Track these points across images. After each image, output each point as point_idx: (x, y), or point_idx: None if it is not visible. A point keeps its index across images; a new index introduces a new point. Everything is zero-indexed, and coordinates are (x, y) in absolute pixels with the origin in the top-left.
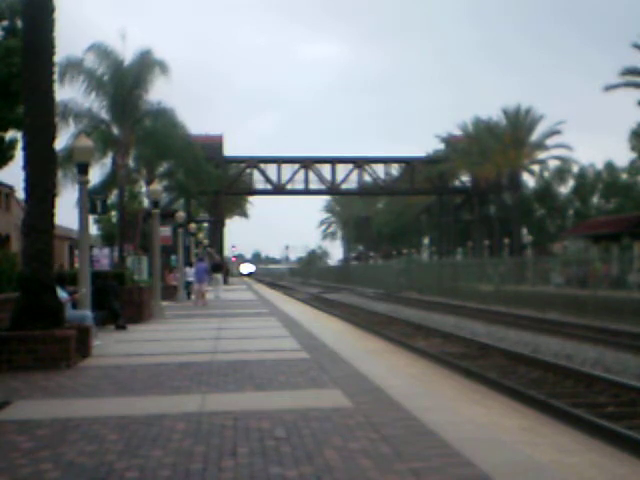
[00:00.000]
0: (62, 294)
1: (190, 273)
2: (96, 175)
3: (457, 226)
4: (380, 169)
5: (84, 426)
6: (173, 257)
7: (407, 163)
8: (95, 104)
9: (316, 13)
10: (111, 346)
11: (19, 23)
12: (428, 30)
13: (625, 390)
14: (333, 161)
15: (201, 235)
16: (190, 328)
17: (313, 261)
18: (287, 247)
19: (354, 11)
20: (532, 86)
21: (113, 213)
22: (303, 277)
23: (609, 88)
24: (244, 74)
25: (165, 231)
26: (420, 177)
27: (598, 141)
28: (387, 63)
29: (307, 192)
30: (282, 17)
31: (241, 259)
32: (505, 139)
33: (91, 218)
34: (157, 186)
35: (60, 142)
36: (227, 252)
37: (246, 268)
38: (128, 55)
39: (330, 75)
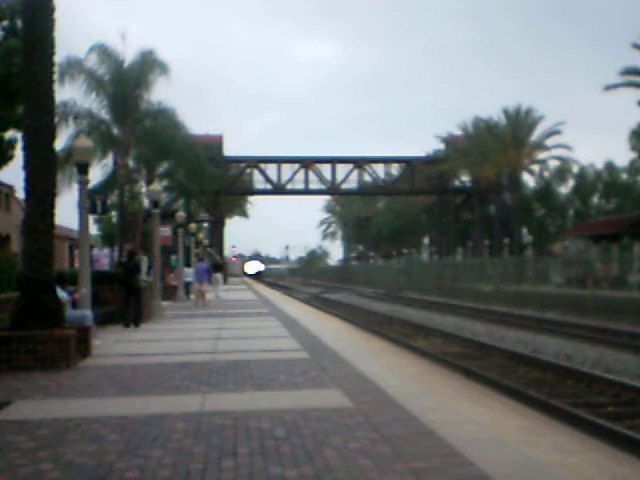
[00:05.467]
0: (62, 294)
1: (189, 273)
2: (97, 175)
3: (457, 226)
4: (380, 169)
5: (84, 426)
6: (173, 257)
7: (407, 163)
8: (95, 104)
9: (313, 13)
10: (111, 346)
11: (19, 23)
12: (427, 30)
13: (625, 390)
14: (333, 161)
15: (201, 235)
16: (190, 328)
17: (313, 261)
18: (287, 247)
19: (351, 11)
20: (532, 86)
21: (113, 213)
22: (303, 277)
23: (609, 88)
24: (244, 74)
25: (165, 231)
26: (420, 177)
27: (598, 141)
28: (386, 63)
29: (307, 192)
30: (280, 17)
31: (241, 259)
32: (505, 139)
33: (91, 218)
34: (157, 186)
35: (60, 142)
36: (227, 252)
37: (252, 267)
38: (128, 55)
39: (329, 75)
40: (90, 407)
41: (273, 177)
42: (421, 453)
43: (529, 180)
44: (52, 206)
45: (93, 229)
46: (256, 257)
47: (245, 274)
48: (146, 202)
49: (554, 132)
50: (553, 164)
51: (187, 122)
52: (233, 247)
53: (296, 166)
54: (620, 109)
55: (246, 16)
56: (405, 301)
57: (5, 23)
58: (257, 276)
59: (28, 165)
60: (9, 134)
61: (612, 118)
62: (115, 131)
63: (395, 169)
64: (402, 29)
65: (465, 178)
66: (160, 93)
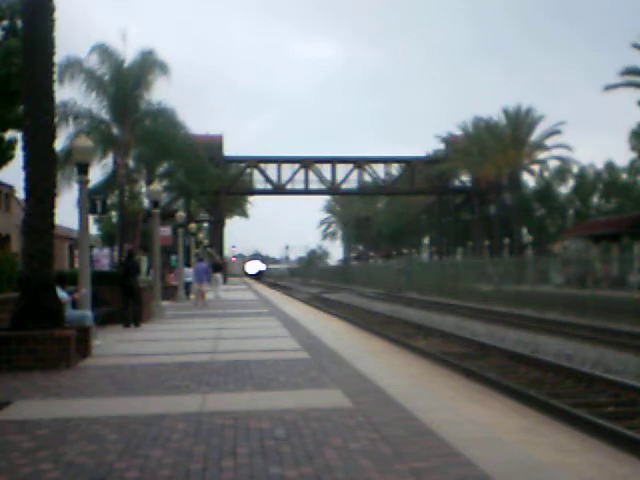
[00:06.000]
0: (62, 294)
1: (189, 273)
2: (97, 175)
3: (457, 226)
4: (380, 169)
5: (84, 426)
6: (173, 257)
7: (407, 163)
8: (95, 104)
9: (313, 13)
10: (111, 346)
11: (19, 23)
12: (426, 29)
13: (625, 390)
14: (333, 161)
15: (201, 235)
16: (190, 328)
17: (313, 261)
18: (287, 247)
19: (351, 10)
20: (532, 86)
21: (113, 213)
22: (303, 277)
23: (609, 88)
24: (244, 74)
25: (165, 231)
26: (420, 177)
27: (598, 141)
28: (386, 63)
29: (307, 192)
30: (280, 17)
31: (241, 259)
32: (505, 139)
33: (91, 218)
34: (157, 186)
35: (60, 142)
36: (227, 252)
37: (253, 267)
38: (129, 55)
39: (329, 75)
40: (90, 407)
41: (273, 177)
42: (421, 453)
43: (529, 180)
44: (52, 206)
45: (93, 229)
46: (257, 256)
47: (246, 274)
48: (146, 202)
49: (554, 132)
50: (553, 164)
51: (187, 122)
52: (233, 247)
53: (296, 166)
54: (620, 109)
55: (246, 16)
56: (405, 301)
57: (5, 23)
58: (258, 276)
59: (28, 165)
60: (9, 134)
61: (612, 118)
62: (115, 131)
63: (395, 169)
64: (402, 29)
65: (465, 178)
66: (160, 93)
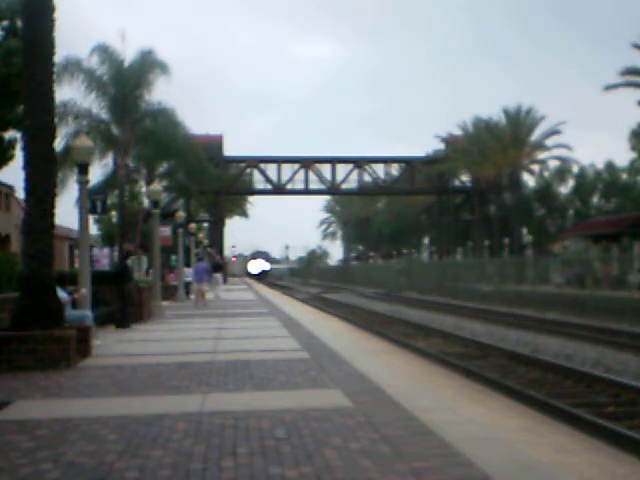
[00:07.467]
0: (62, 294)
1: (189, 273)
2: (97, 175)
3: (457, 226)
4: (380, 169)
5: (84, 426)
6: (173, 257)
7: (407, 163)
8: (95, 104)
9: (313, 13)
10: (111, 346)
11: (19, 23)
12: (426, 29)
13: (625, 390)
14: (333, 161)
15: (201, 235)
16: (190, 328)
17: (313, 261)
18: (287, 247)
19: (350, 10)
20: (532, 86)
21: (113, 213)
22: (303, 277)
23: (609, 88)
24: (244, 74)
25: (165, 231)
26: (420, 177)
27: (598, 141)
28: (385, 63)
29: (307, 192)
30: (280, 17)
31: (242, 258)
32: (505, 139)
33: (91, 218)
34: (157, 186)
35: (60, 142)
36: (227, 252)
37: (256, 266)
38: (129, 55)
39: (328, 75)
40: (90, 407)
41: (273, 177)
42: (421, 453)
43: (529, 180)
44: (52, 206)
45: (93, 229)
46: (261, 254)
47: (248, 274)
48: (146, 202)
49: (554, 132)
50: (553, 164)
51: (187, 122)
52: (233, 247)
53: (296, 166)
54: (620, 109)
55: (246, 16)
56: (405, 301)
57: (5, 23)
58: (262, 277)
59: (28, 165)
60: (9, 134)
61: (612, 118)
62: (115, 131)
63: (395, 169)
64: (402, 29)
65: (465, 178)
66: (160, 93)
